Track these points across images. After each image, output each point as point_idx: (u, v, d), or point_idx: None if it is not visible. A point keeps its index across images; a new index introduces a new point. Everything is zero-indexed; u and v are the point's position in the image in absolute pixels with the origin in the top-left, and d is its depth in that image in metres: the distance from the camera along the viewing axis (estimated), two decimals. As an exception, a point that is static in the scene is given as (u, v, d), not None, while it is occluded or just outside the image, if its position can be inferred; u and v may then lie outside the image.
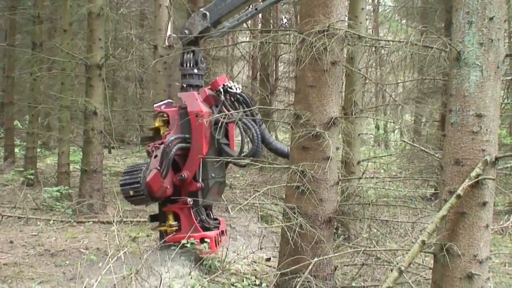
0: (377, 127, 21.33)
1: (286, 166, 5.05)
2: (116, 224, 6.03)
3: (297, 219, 4.71)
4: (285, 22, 16.95)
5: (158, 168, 5.46)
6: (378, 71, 19.14)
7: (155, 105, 6.12)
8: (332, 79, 5.03)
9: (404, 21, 20.88)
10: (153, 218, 6.16)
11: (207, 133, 5.66)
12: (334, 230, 5.80)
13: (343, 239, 6.85)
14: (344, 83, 8.23)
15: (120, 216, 8.49)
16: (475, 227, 3.70)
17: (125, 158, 18.22)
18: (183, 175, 5.65)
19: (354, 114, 7.10)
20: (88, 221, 8.99)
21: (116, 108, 16.70)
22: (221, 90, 5.88)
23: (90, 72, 10.07)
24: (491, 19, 3.74)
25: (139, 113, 17.05)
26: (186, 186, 5.85)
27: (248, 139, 5.71)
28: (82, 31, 13.62)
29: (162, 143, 5.66)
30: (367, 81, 10.28)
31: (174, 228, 5.79)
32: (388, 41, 4.86)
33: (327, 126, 4.97)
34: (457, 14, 3.87)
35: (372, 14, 22.38)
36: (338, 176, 5.15)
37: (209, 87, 5.97)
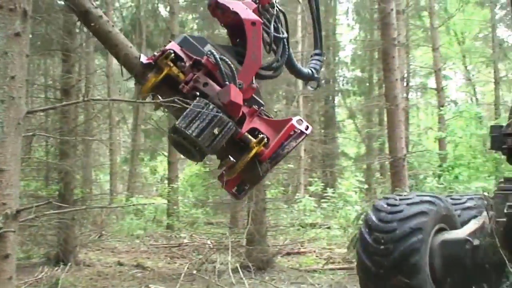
0: None
1: None
2: None
3: None
4: None
5: (227, 82, 4.54)
6: None
7: (144, 60, 4.75)
8: None
9: None
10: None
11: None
12: None
13: None
14: None
15: None
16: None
17: None
18: (241, 84, 4.80)
19: None
20: None
21: None
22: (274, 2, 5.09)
23: None
24: (12, 77, 3.90)
25: None
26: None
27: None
28: None
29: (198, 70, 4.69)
30: None
31: (264, 140, 4.72)
32: None
33: None
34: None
35: None
36: None
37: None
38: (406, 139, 16.84)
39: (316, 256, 12.79)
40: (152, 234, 17.77)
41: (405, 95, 21.71)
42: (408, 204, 6.56)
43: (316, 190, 19.93)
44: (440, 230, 6.75)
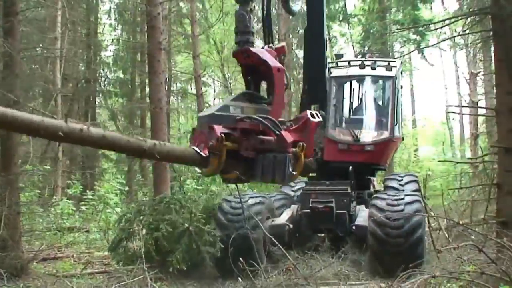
0: None
1: None
2: None
3: None
4: None
5: (268, 124, 5.45)
6: None
7: (203, 153, 5.19)
8: None
9: None
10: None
11: None
12: None
13: None
14: None
15: None
16: None
17: None
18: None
19: None
20: None
21: None
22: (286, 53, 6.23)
23: None
24: None
25: None
26: None
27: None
28: None
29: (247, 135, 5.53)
30: None
31: (304, 146, 5.69)
32: None
33: None
34: None
35: None
36: None
37: (273, 48, 6.13)
38: (168, 142, 17.38)
39: (74, 261, 12.36)
40: None
41: (166, 99, 22.33)
42: (250, 197, 9.96)
43: (75, 193, 19.20)
44: (268, 218, 10.02)
